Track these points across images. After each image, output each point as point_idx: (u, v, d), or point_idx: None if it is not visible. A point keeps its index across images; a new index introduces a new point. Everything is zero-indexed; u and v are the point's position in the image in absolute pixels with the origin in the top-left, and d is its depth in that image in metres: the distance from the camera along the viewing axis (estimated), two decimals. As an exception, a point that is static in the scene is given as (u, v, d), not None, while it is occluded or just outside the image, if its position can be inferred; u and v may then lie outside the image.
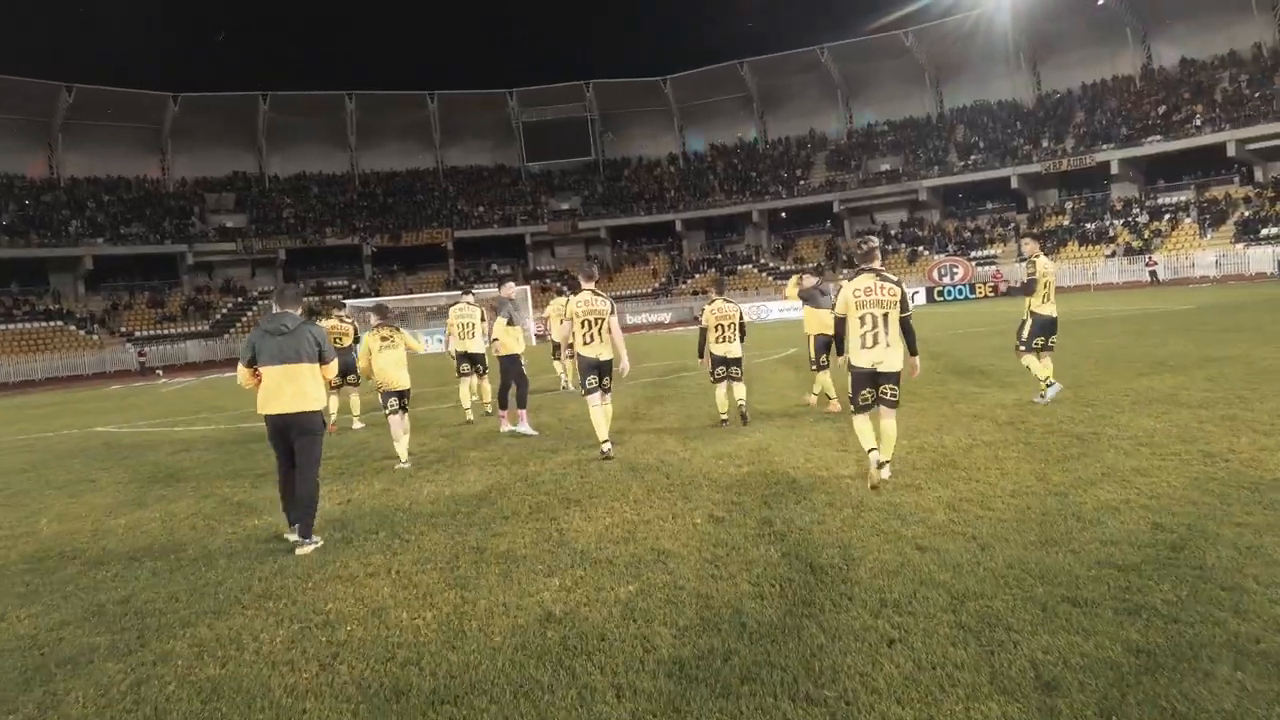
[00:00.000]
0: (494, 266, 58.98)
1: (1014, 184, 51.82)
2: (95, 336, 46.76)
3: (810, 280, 10.03)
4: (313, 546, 5.35)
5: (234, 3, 67.55)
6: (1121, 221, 47.39)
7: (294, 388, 5.45)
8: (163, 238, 52.93)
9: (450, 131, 64.16)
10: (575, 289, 8.62)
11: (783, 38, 65.15)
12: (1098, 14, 52.49)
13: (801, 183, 59.15)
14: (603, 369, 7.86)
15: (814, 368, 9.66)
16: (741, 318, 8.95)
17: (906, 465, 6.23)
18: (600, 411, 7.81)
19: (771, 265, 56.32)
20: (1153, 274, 40.24)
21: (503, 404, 10.07)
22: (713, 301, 8.98)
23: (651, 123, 66.28)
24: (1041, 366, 8.59)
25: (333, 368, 5.81)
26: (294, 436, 5.48)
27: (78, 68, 51.97)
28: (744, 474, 6.49)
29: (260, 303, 52.97)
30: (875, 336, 5.82)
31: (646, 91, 64.03)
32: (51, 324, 46.98)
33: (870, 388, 5.91)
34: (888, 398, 5.89)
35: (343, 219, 58.70)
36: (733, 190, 60.33)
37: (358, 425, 11.49)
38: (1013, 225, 52.66)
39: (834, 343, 6.74)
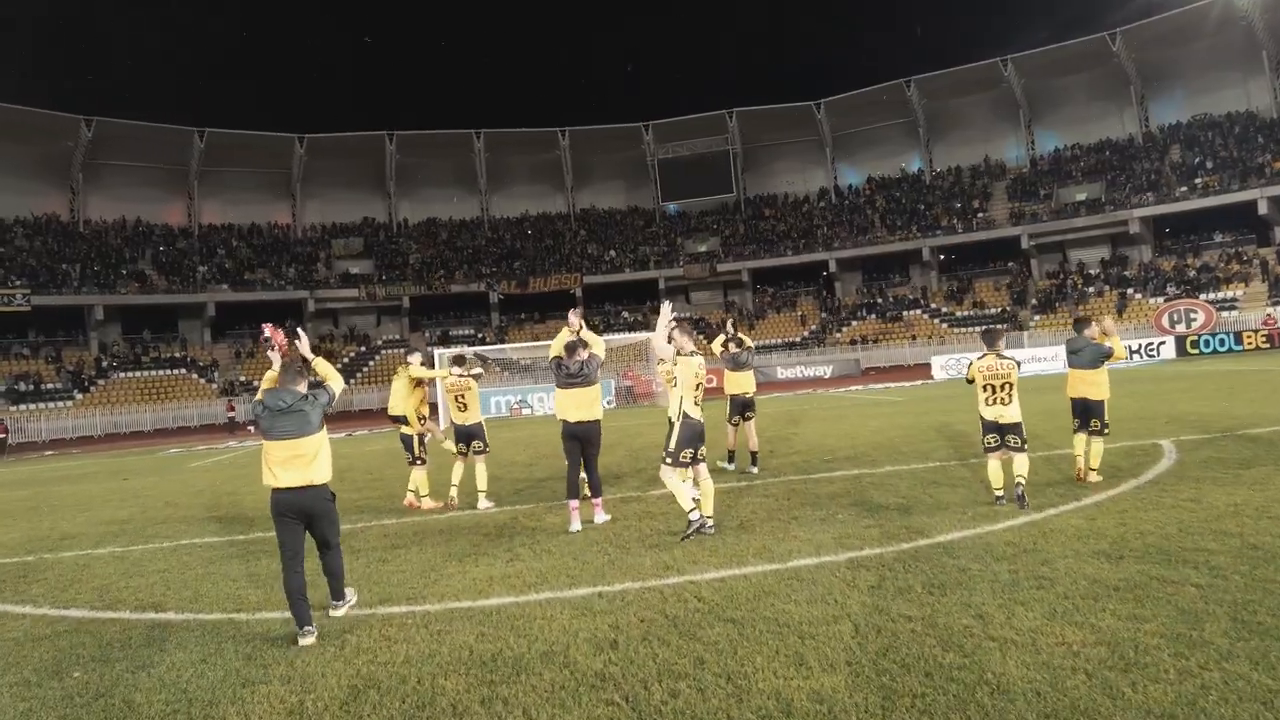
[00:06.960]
0: (624, 314, 54.05)
1: (1262, 209, 41.73)
2: (214, 385, 44.85)
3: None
4: (347, 605, 5.51)
5: (359, 45, 67.61)
6: None
7: (298, 462, 5.28)
8: (285, 284, 51.15)
9: (581, 171, 60.20)
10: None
11: (945, 53, 57.46)
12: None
13: (980, 215, 50.88)
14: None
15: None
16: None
17: None
18: (693, 484, 7.11)
19: (944, 310, 48.17)
20: None
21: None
22: (983, 356, 7.27)
23: (799, 154, 59.80)
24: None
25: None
26: (309, 514, 5.33)
27: (210, 113, 51.99)
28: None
29: (384, 351, 50.14)
30: None
31: (795, 119, 57.69)
32: (175, 372, 45.57)
33: None
34: None
35: (470, 265, 55.49)
36: (896, 225, 52.67)
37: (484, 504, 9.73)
38: (1256, 261, 42.51)
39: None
